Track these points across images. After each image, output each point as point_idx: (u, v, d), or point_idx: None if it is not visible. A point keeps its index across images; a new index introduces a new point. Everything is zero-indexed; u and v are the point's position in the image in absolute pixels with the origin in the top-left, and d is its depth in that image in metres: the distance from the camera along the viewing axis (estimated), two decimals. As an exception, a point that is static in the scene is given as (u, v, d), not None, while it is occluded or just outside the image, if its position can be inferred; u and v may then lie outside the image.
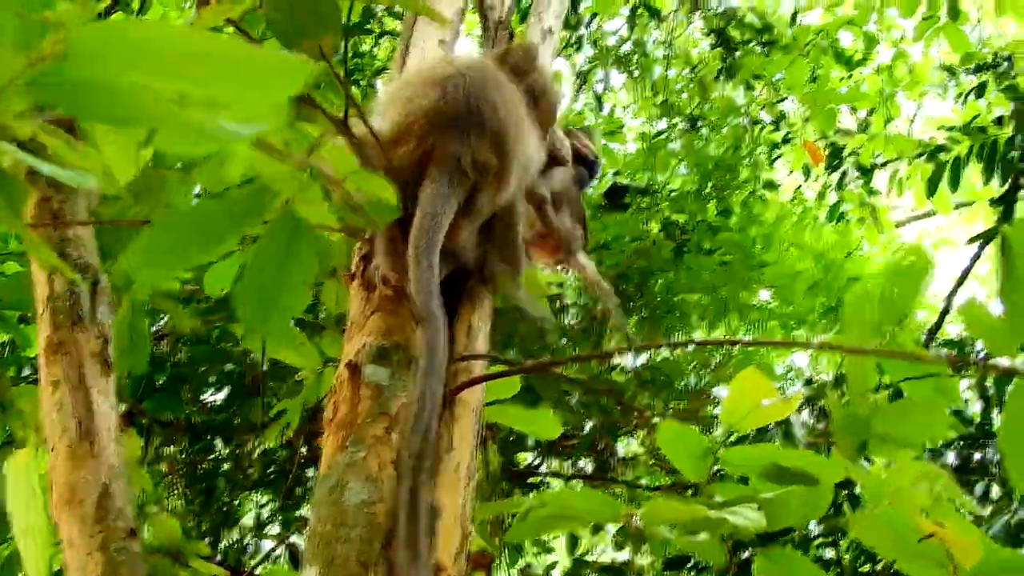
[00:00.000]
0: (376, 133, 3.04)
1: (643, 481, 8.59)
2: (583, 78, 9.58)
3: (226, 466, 7.43)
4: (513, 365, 3.54)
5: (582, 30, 9.47)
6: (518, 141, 3.29)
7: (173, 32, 1.11)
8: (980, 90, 8.27)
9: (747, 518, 2.27)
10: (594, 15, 9.23)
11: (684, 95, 9.74)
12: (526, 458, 8.29)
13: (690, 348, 8.86)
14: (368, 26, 8.09)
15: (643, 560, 7.44)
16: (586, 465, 8.49)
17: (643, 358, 8.96)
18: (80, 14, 1.11)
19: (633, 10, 9.32)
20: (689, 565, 6.88)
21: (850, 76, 9.50)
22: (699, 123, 9.28)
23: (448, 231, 3.04)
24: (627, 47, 9.68)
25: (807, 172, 9.45)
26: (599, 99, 9.54)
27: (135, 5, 5.04)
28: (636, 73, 9.73)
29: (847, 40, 9.62)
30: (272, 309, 2.58)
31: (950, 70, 9.26)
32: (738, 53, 9.41)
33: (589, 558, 7.91)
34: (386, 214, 2.69)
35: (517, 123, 3.32)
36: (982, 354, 6.26)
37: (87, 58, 1.13)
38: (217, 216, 2.52)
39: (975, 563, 2.34)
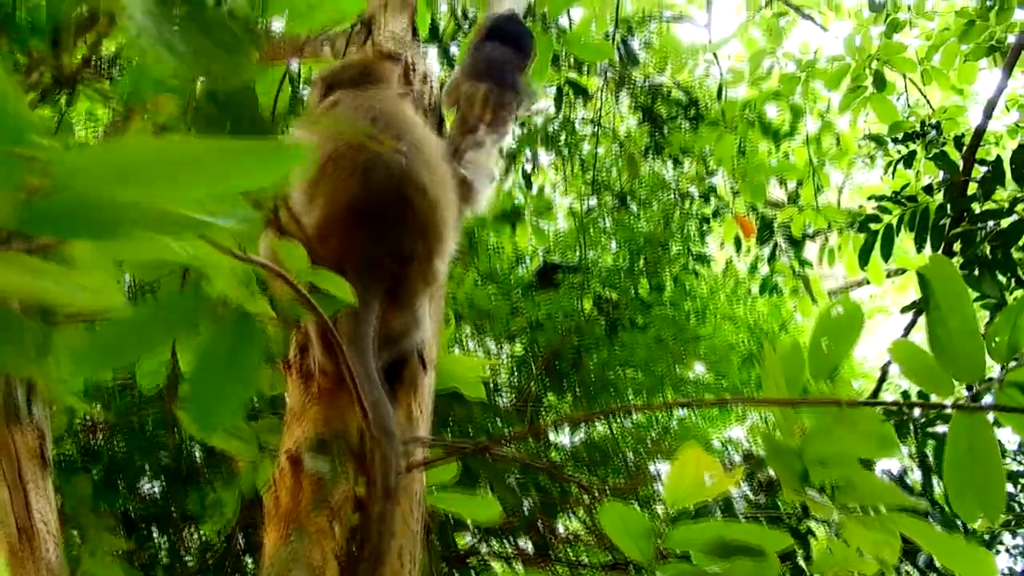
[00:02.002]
0: (303, 228, 3.04)
1: (584, 560, 8.55)
2: (511, 158, 9.61)
3: (164, 557, 7.33)
4: (453, 448, 3.51)
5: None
6: (447, 217, 3.29)
7: (150, 145, 1.12)
8: (909, 159, 8.37)
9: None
10: (520, 95, 9.25)
11: (613, 171, 9.78)
12: (465, 539, 8.24)
13: (627, 424, 8.87)
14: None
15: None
16: (526, 545, 8.44)
17: (580, 435, 8.97)
18: (60, 146, 1.12)
19: (559, 89, 9.37)
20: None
21: (778, 148, 9.57)
22: (629, 199, 9.33)
23: (381, 322, 3.04)
24: (555, 126, 9.70)
25: (738, 245, 9.50)
26: (528, 178, 9.56)
27: (63, 101, 5.00)
28: (564, 151, 9.77)
29: (773, 113, 9.71)
30: (222, 406, 2.56)
31: (877, 140, 9.37)
32: (665, 129, 9.49)
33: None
34: (334, 307, 2.69)
35: (447, 196, 3.32)
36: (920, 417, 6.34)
37: (73, 185, 1.14)
38: (158, 318, 2.51)
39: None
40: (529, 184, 9.58)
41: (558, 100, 9.46)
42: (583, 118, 10.08)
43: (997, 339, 2.69)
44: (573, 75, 9.42)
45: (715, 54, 10.27)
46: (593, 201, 9.72)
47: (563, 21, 8.66)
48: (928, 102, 9.96)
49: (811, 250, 9.80)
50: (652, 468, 8.78)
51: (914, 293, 9.36)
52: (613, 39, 8.96)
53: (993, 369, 2.74)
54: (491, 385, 8.79)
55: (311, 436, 3.04)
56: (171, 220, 1.36)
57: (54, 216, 1.20)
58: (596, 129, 9.85)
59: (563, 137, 9.69)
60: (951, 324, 2.66)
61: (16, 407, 3.31)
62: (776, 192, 10.40)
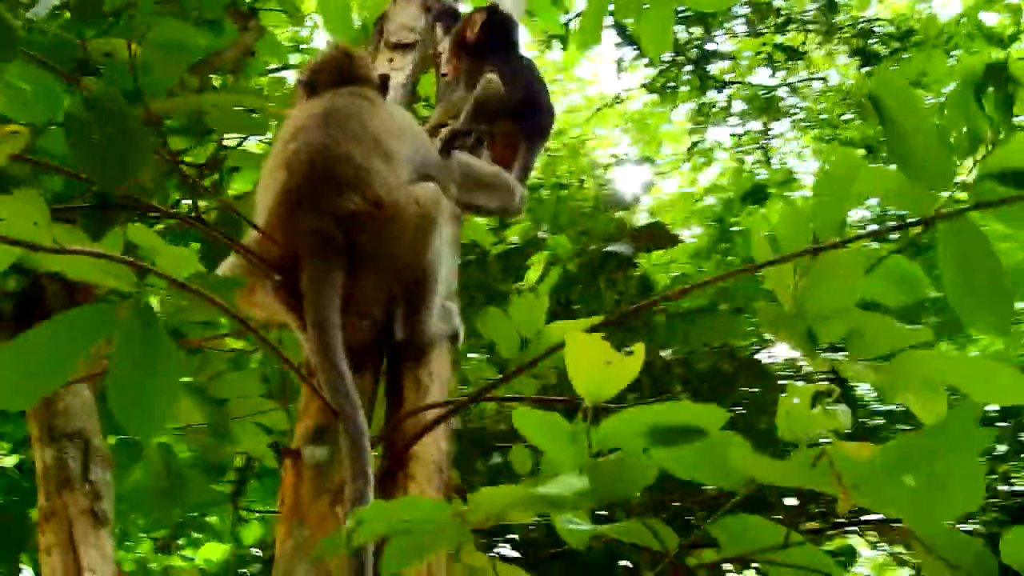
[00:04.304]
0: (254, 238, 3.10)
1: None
2: (740, 138, 9.40)
3: None
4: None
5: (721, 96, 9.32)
6: (391, 163, 3.17)
7: None
8: None
9: (569, 487, 2.09)
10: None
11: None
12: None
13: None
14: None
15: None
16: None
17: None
18: None
19: (769, 56, 9.10)
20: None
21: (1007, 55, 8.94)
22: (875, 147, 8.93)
23: (350, 298, 2.99)
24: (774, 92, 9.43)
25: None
26: (766, 152, 9.30)
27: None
28: (794, 114, 9.47)
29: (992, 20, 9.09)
30: (148, 408, 2.56)
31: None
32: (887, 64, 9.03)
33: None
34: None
35: (383, 146, 3.20)
36: None
37: None
38: (64, 337, 2.53)
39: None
40: (768, 159, 9.32)
41: (772, 65, 9.20)
42: (801, 79, 9.76)
43: (954, 135, 2.55)
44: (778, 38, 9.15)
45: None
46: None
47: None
48: None
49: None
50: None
51: None
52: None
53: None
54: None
55: (308, 428, 3.02)
56: None
57: None
58: (809, 83, 9.51)
59: (786, 101, 9.40)
60: (908, 133, 2.54)
61: (69, 474, 3.45)
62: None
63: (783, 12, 9.20)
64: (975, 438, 2.01)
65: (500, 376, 3.32)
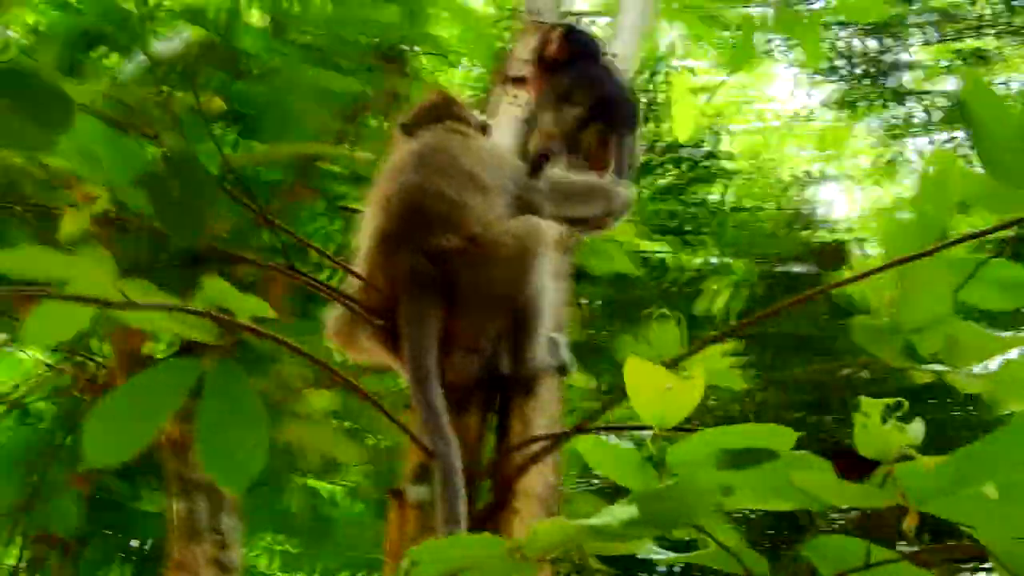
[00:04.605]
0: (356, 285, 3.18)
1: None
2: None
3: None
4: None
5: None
6: (486, 196, 3.22)
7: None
8: None
9: (618, 517, 2.04)
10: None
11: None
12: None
13: None
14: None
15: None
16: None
17: None
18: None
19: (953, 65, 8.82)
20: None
21: None
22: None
23: (453, 334, 3.02)
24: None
25: None
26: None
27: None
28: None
29: None
30: (235, 460, 2.59)
31: None
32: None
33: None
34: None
35: (477, 179, 3.25)
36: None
37: None
38: (154, 390, 2.58)
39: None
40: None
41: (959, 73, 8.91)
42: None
43: (1036, 134, 2.51)
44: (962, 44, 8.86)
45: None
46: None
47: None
48: None
49: None
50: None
51: None
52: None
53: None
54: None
55: (411, 467, 3.04)
56: None
57: None
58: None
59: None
60: (994, 135, 2.44)
61: (198, 523, 3.54)
62: None
63: (972, 17, 8.91)
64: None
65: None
